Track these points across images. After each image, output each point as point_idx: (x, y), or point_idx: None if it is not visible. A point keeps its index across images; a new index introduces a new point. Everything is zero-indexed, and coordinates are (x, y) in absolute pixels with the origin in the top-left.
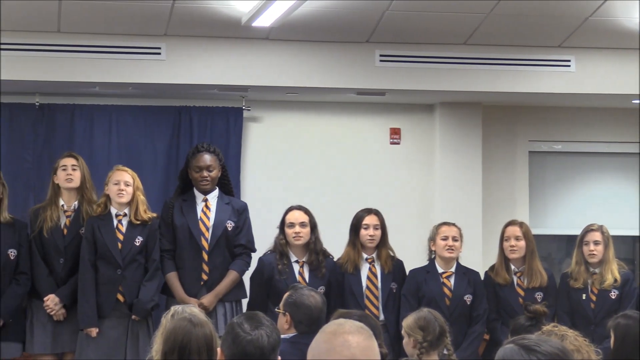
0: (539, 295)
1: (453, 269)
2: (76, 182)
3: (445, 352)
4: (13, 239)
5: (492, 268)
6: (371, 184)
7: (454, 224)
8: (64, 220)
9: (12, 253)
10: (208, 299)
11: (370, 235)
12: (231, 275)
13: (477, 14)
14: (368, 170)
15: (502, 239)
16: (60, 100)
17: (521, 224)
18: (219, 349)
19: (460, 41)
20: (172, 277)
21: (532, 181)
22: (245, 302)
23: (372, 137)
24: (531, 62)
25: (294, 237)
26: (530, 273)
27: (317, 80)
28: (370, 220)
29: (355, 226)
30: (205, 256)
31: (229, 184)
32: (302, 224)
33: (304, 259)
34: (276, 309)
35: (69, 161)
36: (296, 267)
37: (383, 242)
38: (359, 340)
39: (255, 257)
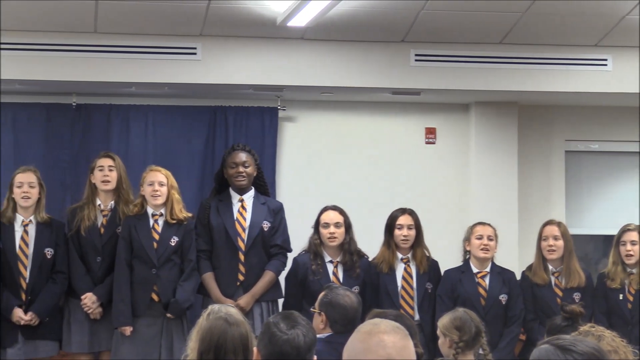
0: (576, 296)
1: (488, 269)
2: (113, 184)
3: (480, 352)
4: (50, 239)
5: (529, 268)
6: (406, 183)
7: (488, 224)
8: (100, 220)
9: (49, 252)
10: (245, 299)
11: (404, 235)
12: (267, 276)
13: (513, 13)
14: (403, 170)
15: (540, 238)
16: (97, 100)
17: (559, 224)
18: (255, 349)
19: (496, 40)
20: (209, 278)
21: (569, 181)
22: (281, 302)
23: (407, 136)
24: (567, 62)
25: (328, 238)
26: (568, 273)
27: (353, 80)
28: (404, 220)
29: (390, 226)
30: (242, 257)
31: (264, 185)
32: (337, 224)
33: (338, 259)
34: (311, 309)
35: (105, 162)
36: (330, 267)
37: (418, 242)
38: (394, 340)
39: (291, 257)
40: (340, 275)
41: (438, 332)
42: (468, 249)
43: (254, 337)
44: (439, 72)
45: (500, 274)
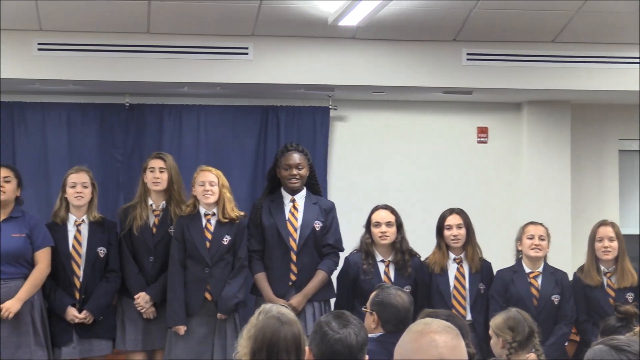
0: (629, 296)
1: (540, 269)
2: (163, 185)
3: (533, 352)
4: (103, 238)
5: (581, 269)
6: (458, 183)
7: (540, 224)
8: (152, 219)
9: (101, 251)
10: (297, 299)
11: (454, 235)
12: (319, 276)
13: (566, 11)
14: (455, 169)
15: (594, 239)
16: (150, 100)
17: (613, 225)
18: (306, 348)
19: (549, 39)
20: (261, 278)
21: (622, 180)
22: (333, 301)
23: (459, 136)
24: (620, 60)
25: (379, 237)
26: (622, 273)
27: (404, 79)
28: (453, 220)
29: (440, 227)
30: (294, 257)
31: (317, 184)
32: (388, 224)
33: (389, 259)
34: (363, 308)
35: (156, 163)
36: (381, 267)
37: (469, 242)
38: (446, 340)
39: (342, 256)
40: (392, 274)
41: (490, 332)
42: (520, 248)
43: (305, 337)
44: (490, 71)
45: (553, 275)
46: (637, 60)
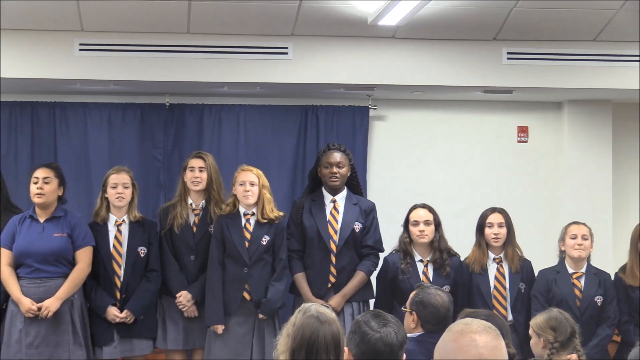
0: None
1: (583, 270)
2: (203, 185)
3: (574, 353)
4: (143, 237)
5: (622, 269)
6: (498, 182)
7: (583, 223)
8: (193, 218)
9: (142, 251)
10: (336, 299)
11: (494, 234)
12: (358, 276)
13: (607, 9)
14: (495, 169)
15: (636, 239)
16: (190, 100)
17: None
18: (345, 349)
19: (590, 37)
20: (300, 278)
21: None
22: (372, 302)
23: (499, 135)
24: None
25: (418, 236)
26: None
27: (444, 79)
28: (494, 218)
29: (480, 225)
30: (333, 258)
31: (358, 185)
32: (427, 222)
33: (428, 258)
34: (402, 308)
35: (196, 162)
36: (420, 266)
37: (510, 241)
38: (486, 340)
39: (382, 256)
40: (430, 274)
41: (531, 332)
42: (563, 249)
43: (345, 337)
44: (531, 70)
45: (596, 275)
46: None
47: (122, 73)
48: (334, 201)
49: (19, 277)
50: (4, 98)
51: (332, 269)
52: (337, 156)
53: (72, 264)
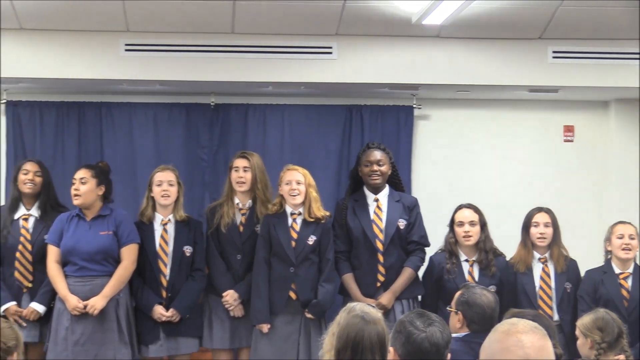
0: None
1: (630, 270)
2: (247, 185)
3: (622, 354)
4: (189, 236)
5: None
6: (543, 182)
7: (629, 223)
8: (239, 218)
9: (187, 250)
10: (386, 297)
11: (540, 234)
12: (406, 273)
13: None
14: (540, 168)
15: None
16: (235, 100)
17: None
18: (391, 349)
19: (636, 36)
20: (349, 279)
21: None
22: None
23: (544, 134)
24: None
25: (463, 236)
26: None
27: (489, 78)
28: (540, 218)
29: (526, 225)
30: (380, 257)
31: (400, 183)
32: (472, 223)
33: (473, 258)
34: (448, 308)
35: (240, 162)
36: (466, 266)
37: (555, 241)
38: (533, 340)
39: (428, 255)
40: (476, 274)
41: (578, 332)
42: (609, 249)
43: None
44: (577, 69)
45: None
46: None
47: (168, 73)
48: (376, 200)
49: (65, 276)
50: (51, 98)
51: (380, 268)
52: (377, 154)
53: (117, 262)
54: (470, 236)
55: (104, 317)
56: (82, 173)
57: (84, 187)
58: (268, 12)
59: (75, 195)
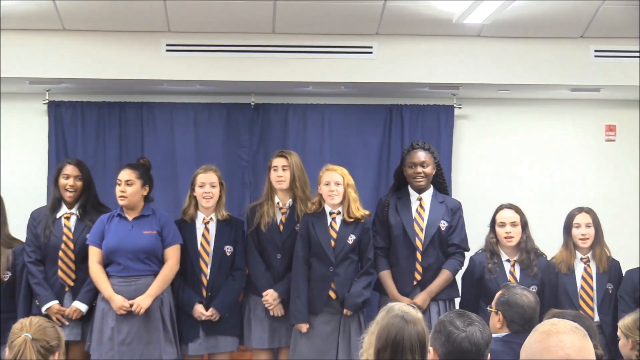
0: None
1: None
2: (286, 183)
3: None
4: (230, 236)
5: None
6: (585, 181)
7: None
8: (279, 217)
9: (228, 249)
10: (421, 297)
11: (582, 234)
12: (444, 275)
13: None
14: (582, 168)
15: None
16: (275, 99)
17: None
18: (430, 348)
19: None
20: (386, 276)
21: None
22: (457, 301)
23: (586, 134)
24: None
25: (504, 237)
26: None
27: (530, 77)
28: (582, 218)
29: (568, 225)
30: (419, 256)
31: (444, 183)
32: (513, 224)
33: (515, 258)
34: (488, 308)
35: (279, 162)
36: (507, 266)
37: (597, 241)
38: (573, 340)
39: (467, 256)
40: (517, 274)
41: (619, 333)
42: None
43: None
44: (619, 67)
45: None
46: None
47: (208, 73)
48: (420, 199)
49: (108, 276)
50: (92, 98)
51: (418, 267)
52: (421, 155)
53: (161, 261)
54: (511, 237)
55: (149, 317)
56: (127, 174)
57: (130, 189)
58: (308, 12)
59: (121, 196)
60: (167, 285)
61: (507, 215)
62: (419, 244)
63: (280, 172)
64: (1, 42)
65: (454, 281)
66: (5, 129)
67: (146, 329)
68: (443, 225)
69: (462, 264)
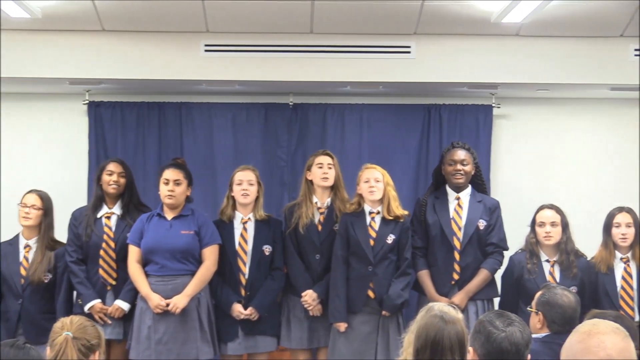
0: None
1: None
2: (331, 181)
3: None
4: (268, 236)
5: None
6: (625, 181)
7: None
8: (318, 217)
9: (267, 249)
10: (459, 297)
11: (622, 234)
12: (482, 274)
13: None
14: (622, 168)
15: None
16: (313, 99)
17: None
18: (470, 348)
19: None
20: (424, 276)
21: None
22: (496, 301)
23: (625, 133)
24: None
25: (544, 237)
26: None
27: (569, 77)
28: (622, 218)
29: (608, 225)
30: (457, 255)
31: (482, 184)
32: (553, 224)
33: (554, 259)
34: (528, 308)
35: (325, 159)
36: (546, 267)
37: (637, 241)
38: (614, 341)
39: (507, 255)
40: (557, 274)
41: None
42: None
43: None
44: None
45: None
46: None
47: (247, 73)
48: (457, 198)
49: (147, 275)
50: (132, 99)
51: (456, 267)
52: (461, 154)
53: (198, 261)
54: (551, 237)
55: (186, 316)
56: (175, 174)
57: (179, 189)
58: (347, 11)
59: (170, 195)
60: (203, 285)
61: (547, 215)
62: (457, 244)
63: (325, 170)
64: (42, 44)
65: (492, 281)
66: (46, 130)
67: (183, 329)
68: (482, 224)
69: (500, 263)
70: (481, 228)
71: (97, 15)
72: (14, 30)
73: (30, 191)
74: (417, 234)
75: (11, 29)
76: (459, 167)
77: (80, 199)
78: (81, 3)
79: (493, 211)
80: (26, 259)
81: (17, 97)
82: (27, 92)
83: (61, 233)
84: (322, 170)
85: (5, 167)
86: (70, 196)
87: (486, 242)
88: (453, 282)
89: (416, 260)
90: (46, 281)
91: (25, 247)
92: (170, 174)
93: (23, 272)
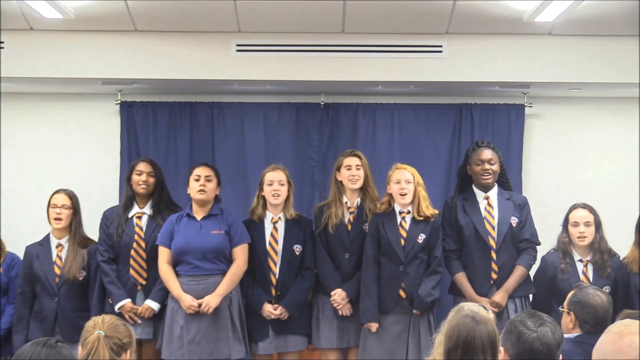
0: None
1: None
2: (360, 182)
3: None
4: (298, 235)
5: None
6: None
7: None
8: (347, 217)
9: (297, 248)
10: (499, 295)
11: None
12: (518, 271)
13: None
14: None
15: None
16: (344, 99)
17: None
18: (501, 348)
19: None
20: (462, 278)
21: None
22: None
23: None
24: None
25: (577, 237)
26: None
27: (602, 76)
28: None
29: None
30: (494, 255)
31: (507, 182)
32: (587, 223)
33: (587, 258)
34: (560, 308)
35: (353, 160)
36: (579, 266)
37: None
38: None
39: (539, 255)
40: (590, 274)
41: None
42: None
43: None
44: None
45: None
46: None
47: (278, 73)
48: (487, 198)
49: (178, 275)
50: (164, 99)
51: (494, 266)
52: (487, 153)
53: (229, 261)
54: (585, 237)
55: (218, 315)
56: (207, 171)
57: (210, 185)
58: (378, 11)
59: (201, 191)
60: (235, 284)
61: (580, 215)
62: (492, 243)
63: (354, 171)
64: (75, 44)
65: (528, 277)
66: (79, 129)
67: (215, 328)
68: (514, 221)
69: (535, 258)
70: (514, 225)
71: (129, 16)
72: (47, 31)
73: (57, 191)
74: (450, 236)
75: (44, 29)
76: (487, 166)
77: (112, 198)
78: (114, 3)
79: (522, 207)
80: (60, 258)
81: (49, 97)
82: (59, 92)
83: (93, 233)
84: (350, 173)
85: (38, 166)
86: (102, 196)
87: (519, 239)
88: (492, 282)
89: (451, 263)
90: (81, 279)
91: (57, 247)
92: (201, 170)
93: (57, 271)
